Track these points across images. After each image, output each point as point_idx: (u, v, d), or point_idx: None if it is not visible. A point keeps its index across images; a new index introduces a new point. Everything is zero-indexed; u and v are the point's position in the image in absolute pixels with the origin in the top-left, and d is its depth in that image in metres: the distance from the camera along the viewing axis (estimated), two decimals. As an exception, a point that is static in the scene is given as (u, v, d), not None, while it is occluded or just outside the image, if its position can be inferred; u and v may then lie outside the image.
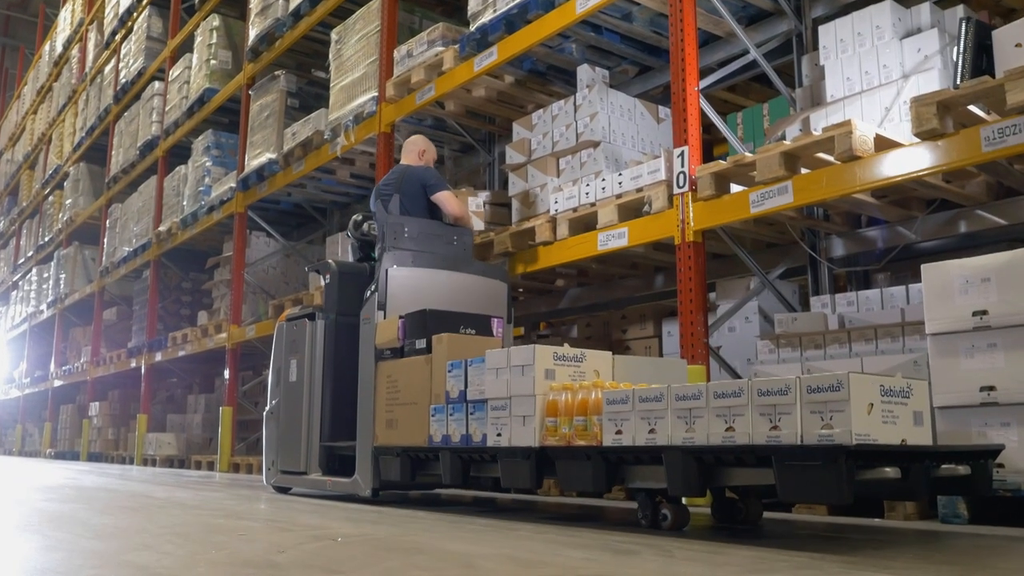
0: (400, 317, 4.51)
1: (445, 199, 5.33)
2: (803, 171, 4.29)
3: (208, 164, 10.72)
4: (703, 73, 5.39)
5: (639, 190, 4.96)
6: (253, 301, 10.10)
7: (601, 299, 6.94)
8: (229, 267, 10.25)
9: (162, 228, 11.69)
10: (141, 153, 12.97)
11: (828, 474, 2.50)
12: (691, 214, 4.58)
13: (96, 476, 8.15)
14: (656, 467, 3.08)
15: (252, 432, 10.42)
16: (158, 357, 11.78)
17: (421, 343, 4.34)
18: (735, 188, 4.63)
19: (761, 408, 2.72)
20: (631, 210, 5.02)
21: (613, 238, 5.03)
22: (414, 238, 5.07)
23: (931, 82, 4.34)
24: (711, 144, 7.39)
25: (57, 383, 16.44)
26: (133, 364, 12.56)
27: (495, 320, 4.54)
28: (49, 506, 4.36)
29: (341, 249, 8.57)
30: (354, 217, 5.63)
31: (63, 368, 16.10)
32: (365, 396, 4.68)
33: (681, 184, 4.66)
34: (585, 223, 5.33)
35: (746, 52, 5.37)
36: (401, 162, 5.71)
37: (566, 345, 3.72)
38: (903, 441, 2.65)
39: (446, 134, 8.13)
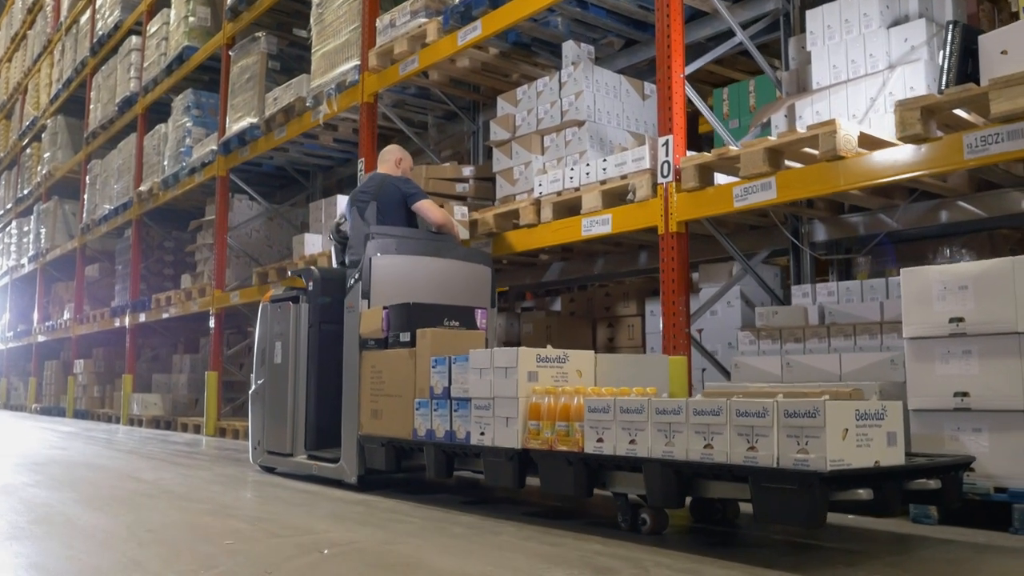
0: (384, 308, 4.53)
1: (427, 208, 5.26)
2: (788, 164, 4.29)
3: (189, 124, 10.58)
4: (689, 50, 5.35)
5: (623, 177, 4.95)
6: (237, 265, 10.07)
7: (585, 273, 6.97)
8: (212, 231, 10.18)
9: (143, 188, 11.57)
10: (120, 109, 12.77)
11: (802, 498, 2.56)
12: (674, 205, 4.59)
13: (83, 443, 8.21)
14: (636, 475, 3.14)
15: (238, 393, 10.48)
16: (142, 318, 11.76)
17: (405, 336, 4.36)
18: (719, 177, 4.63)
19: (739, 428, 2.77)
20: (615, 196, 5.01)
21: (597, 224, 5.03)
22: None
23: (917, 74, 4.32)
24: (696, 116, 7.36)
25: (41, 338, 16.41)
26: (117, 323, 12.54)
27: (479, 311, 4.56)
28: (37, 495, 4.39)
29: (325, 215, 8.52)
30: (336, 220, 5.64)
31: (46, 324, 16.06)
32: (350, 384, 4.71)
33: (665, 173, 4.65)
34: (569, 207, 5.32)
35: (733, 29, 5.31)
36: (378, 171, 5.58)
37: (549, 346, 3.76)
38: (876, 463, 2.69)
39: (429, 102, 8.04)
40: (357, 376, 4.66)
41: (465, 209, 6.50)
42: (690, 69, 4.87)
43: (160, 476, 5.34)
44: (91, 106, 14.22)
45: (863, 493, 2.65)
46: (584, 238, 5.14)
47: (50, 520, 3.64)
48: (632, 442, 3.11)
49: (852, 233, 5.09)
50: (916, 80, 4.33)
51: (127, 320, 12.15)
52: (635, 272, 6.55)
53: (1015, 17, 4.81)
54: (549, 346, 3.75)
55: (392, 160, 5.55)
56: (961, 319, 3.41)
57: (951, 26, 3.63)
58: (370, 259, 4.79)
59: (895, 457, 2.78)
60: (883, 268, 5.19)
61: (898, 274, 5.02)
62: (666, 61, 4.72)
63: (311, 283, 5.31)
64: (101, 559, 2.90)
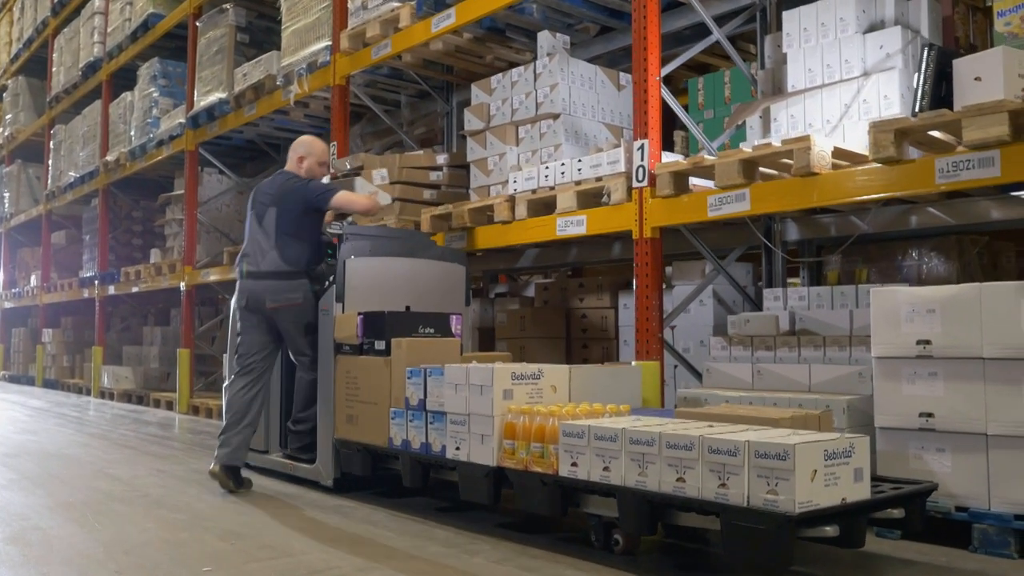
0: (359, 314, 4.52)
1: (346, 201, 4.85)
2: (763, 170, 4.31)
3: (155, 95, 10.37)
4: (665, 40, 5.31)
5: (598, 179, 4.94)
6: (207, 240, 9.96)
7: (559, 261, 6.98)
8: (181, 205, 10.05)
9: (109, 158, 11.36)
10: (84, 74, 12.48)
11: (771, 538, 2.63)
12: (649, 210, 4.60)
13: (55, 423, 8.16)
14: (610, 499, 3.20)
15: (211, 367, 10.45)
16: (111, 290, 11.63)
17: (380, 344, 4.37)
18: (695, 181, 4.64)
19: (711, 464, 2.82)
20: (590, 197, 5.01)
21: (572, 224, 5.03)
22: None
23: (891, 83, 4.33)
24: (674, 94, 7.33)
25: (8, 304, 16.19)
26: (86, 294, 12.40)
27: (454, 318, 4.57)
28: (12, 501, 4.38)
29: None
30: None
31: (12, 291, 15.83)
32: (325, 388, 4.72)
33: (640, 178, 4.65)
34: (544, 203, 5.31)
35: (709, 20, 5.27)
36: (284, 168, 5.08)
37: (523, 364, 3.79)
38: (843, 499, 2.76)
39: (402, 82, 7.93)
40: (332, 380, 4.66)
41: (442, 159, 6.48)
42: (666, 70, 4.85)
43: (135, 473, 5.34)
44: (53, 69, 13.87)
45: (830, 530, 2.72)
46: (559, 238, 5.15)
47: (26, 539, 3.64)
48: (606, 469, 3.16)
49: (824, 233, 5.14)
50: (890, 88, 4.34)
51: (96, 292, 12.01)
52: (608, 261, 6.57)
53: (988, 14, 4.84)
54: (524, 364, 3.78)
55: (294, 158, 5.00)
56: (928, 342, 3.48)
57: (926, 49, 3.64)
58: (344, 262, 4.75)
59: (861, 492, 2.85)
60: (853, 268, 5.26)
61: (868, 279, 5.11)
62: (642, 64, 4.69)
63: None
64: (79, 592, 2.92)
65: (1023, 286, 3.28)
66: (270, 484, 4.92)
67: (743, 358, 4.47)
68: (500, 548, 3.47)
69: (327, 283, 4.81)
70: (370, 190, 5.14)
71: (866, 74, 4.45)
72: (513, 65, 7.06)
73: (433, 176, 6.57)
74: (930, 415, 3.48)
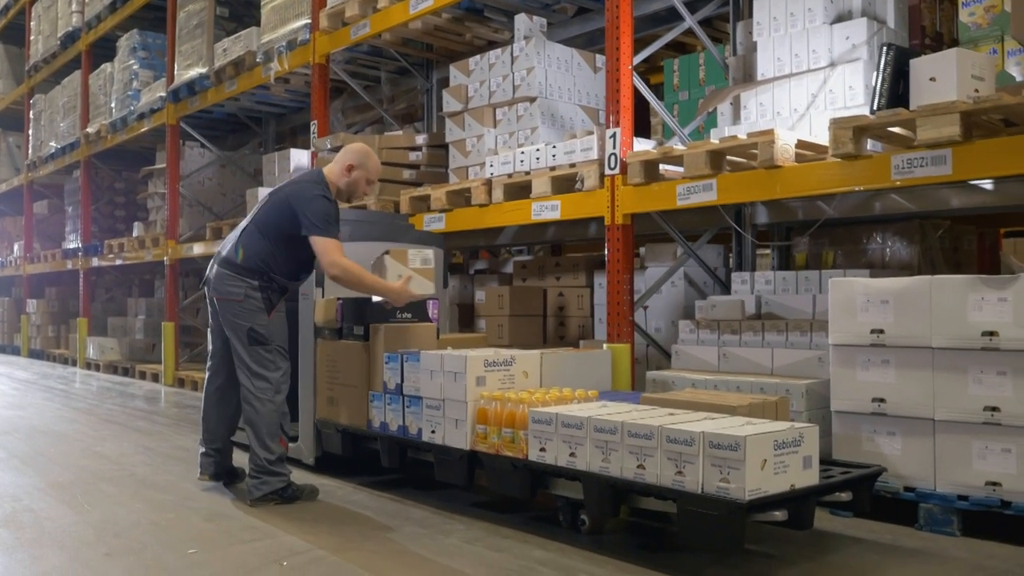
0: (338, 300, 4.64)
1: (341, 271, 4.04)
2: (731, 159, 4.44)
3: (136, 67, 10.34)
4: (639, 22, 5.40)
5: (572, 165, 5.06)
6: (190, 214, 10.01)
7: (538, 238, 7.10)
8: (163, 179, 10.08)
9: (90, 130, 11.35)
10: (63, 44, 12.40)
11: (723, 524, 2.81)
12: (620, 198, 4.72)
13: (42, 397, 8.28)
14: (576, 483, 3.37)
15: (196, 338, 10.55)
16: (95, 262, 11.68)
17: (359, 330, 4.49)
18: (666, 167, 4.76)
19: (669, 453, 2.98)
20: (564, 182, 5.13)
21: (547, 209, 5.16)
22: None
23: (856, 74, 4.45)
24: (650, 71, 7.43)
25: (-9, 274, 16.19)
26: (69, 266, 12.44)
27: (431, 303, 4.67)
28: (2, 481, 4.52)
29: (279, 168, 8.49)
30: None
31: (-4, 260, 15.83)
32: (306, 370, 4.83)
33: (612, 166, 4.77)
34: (520, 187, 5.43)
35: (681, 7, 5.35)
36: (325, 168, 4.32)
37: (496, 350, 3.93)
38: (792, 486, 2.93)
39: (382, 59, 7.97)
40: (313, 363, 4.79)
41: (422, 140, 6.44)
42: (639, 59, 4.94)
43: (122, 451, 5.48)
44: (32, 37, 13.76)
45: (779, 515, 2.91)
46: (534, 222, 5.27)
47: (18, 521, 3.78)
48: (572, 455, 3.33)
49: (792, 218, 5.28)
50: (855, 79, 4.46)
51: (79, 264, 12.05)
52: (585, 240, 6.70)
53: (954, 4, 4.95)
54: (497, 348, 3.93)
55: (344, 163, 4.23)
56: (882, 331, 3.65)
57: (885, 49, 3.75)
58: None
59: (810, 478, 3.03)
60: (821, 250, 5.41)
61: (834, 262, 5.27)
62: (615, 53, 4.79)
63: None
64: None
65: (970, 280, 3.44)
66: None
67: (710, 341, 4.63)
68: (473, 528, 3.65)
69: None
70: (400, 273, 4.42)
71: (832, 64, 4.57)
72: (492, 44, 7.14)
73: (413, 156, 6.66)
74: (882, 400, 3.66)
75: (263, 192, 8.22)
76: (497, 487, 3.69)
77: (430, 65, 7.97)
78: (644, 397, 3.75)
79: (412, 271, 4.11)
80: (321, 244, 4.01)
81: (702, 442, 2.89)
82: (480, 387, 3.80)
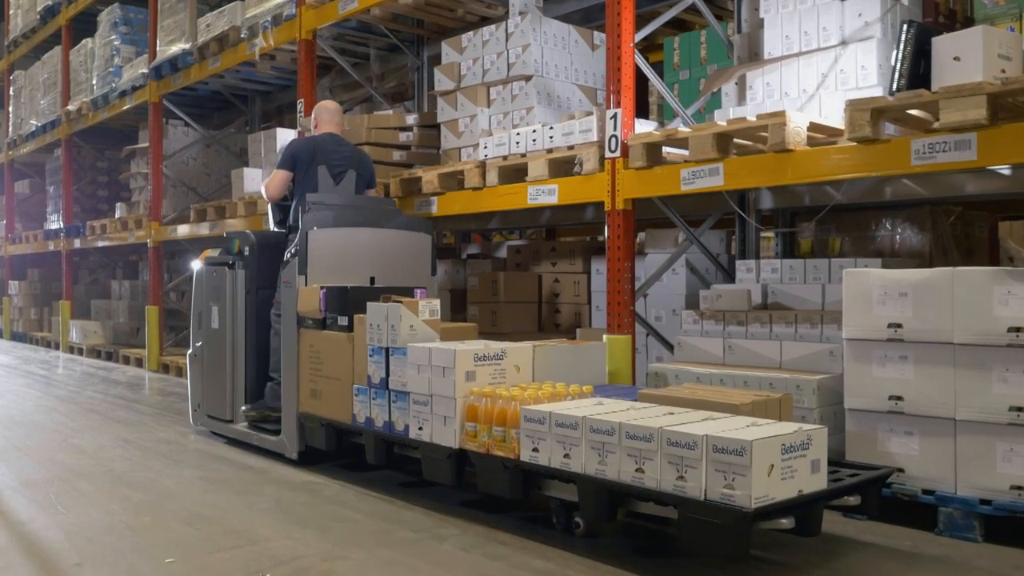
0: (321, 288, 4.45)
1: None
2: (738, 141, 4.23)
3: (117, 42, 10.03)
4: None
5: (571, 147, 4.83)
6: (174, 195, 9.73)
7: (532, 222, 6.89)
8: (146, 159, 9.79)
9: (71, 107, 11.03)
10: (42, 18, 12.05)
11: (728, 532, 2.63)
12: (621, 182, 4.51)
13: (22, 384, 8.05)
14: (571, 484, 3.19)
15: (181, 321, 10.31)
16: (77, 244, 11.41)
17: (343, 320, 4.32)
18: (668, 149, 4.55)
19: (669, 457, 2.80)
20: (562, 165, 4.91)
21: (543, 194, 4.94)
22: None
23: (869, 53, 4.23)
24: (649, 49, 7.18)
25: (-28, 255, 15.86)
26: (51, 247, 12.16)
27: (418, 291, 4.44)
28: (-28, 480, 4.32)
29: (265, 147, 8.22)
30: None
31: (-24, 241, 15.48)
32: (289, 361, 4.67)
33: (613, 148, 4.55)
34: (516, 170, 5.21)
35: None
36: (333, 131, 5.38)
37: (486, 344, 3.76)
38: (800, 491, 2.76)
39: (371, 35, 7.70)
40: (296, 353, 4.61)
41: (412, 120, 6.34)
42: (641, 34, 4.71)
43: (100, 443, 5.27)
44: (11, 11, 13.37)
45: (786, 522, 2.74)
46: (530, 206, 5.05)
47: (-16, 525, 3.58)
48: (567, 456, 3.15)
49: (798, 203, 5.07)
50: (868, 59, 4.24)
51: (62, 245, 11.77)
52: (581, 224, 6.49)
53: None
54: (487, 343, 3.74)
55: (339, 122, 5.47)
56: (900, 325, 3.46)
57: (905, 26, 3.53)
58: (306, 233, 4.65)
59: (818, 483, 2.85)
60: (827, 237, 5.22)
61: (841, 249, 5.08)
62: (615, 29, 4.55)
63: (247, 248, 5.17)
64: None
65: (996, 272, 3.25)
66: (235, 456, 4.87)
67: (714, 332, 4.44)
68: (468, 533, 3.45)
69: (288, 252, 4.76)
70: (412, 323, 4.20)
71: (844, 43, 4.34)
72: (484, 19, 6.88)
73: (403, 137, 6.42)
74: (899, 398, 3.47)
75: (249, 172, 7.98)
76: (487, 488, 3.51)
77: (421, 42, 7.71)
78: (642, 393, 3.57)
79: (423, 322, 4.02)
80: None
81: (705, 446, 2.71)
82: (470, 382, 3.60)
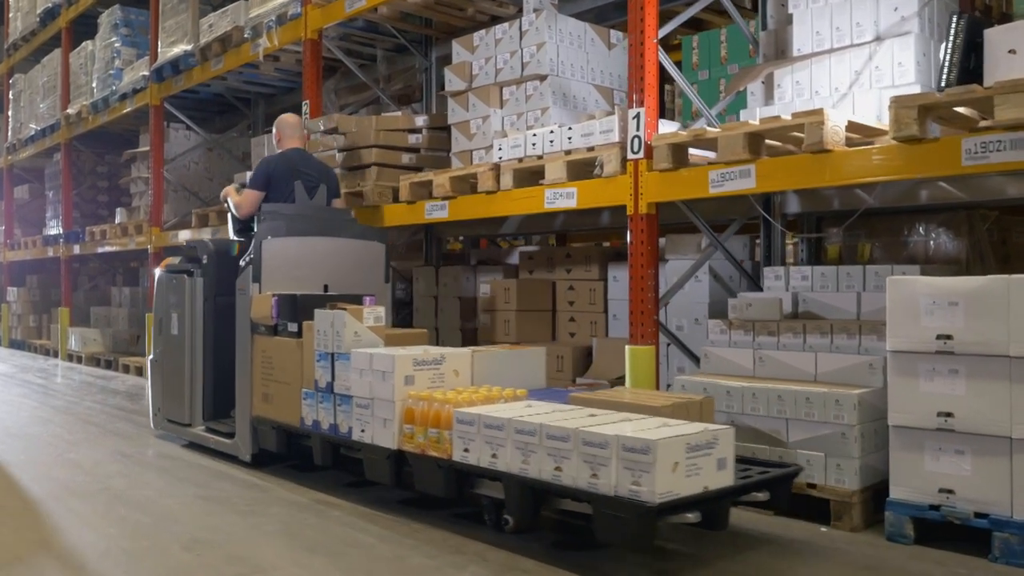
0: (273, 296, 4.55)
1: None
2: (769, 143, 4.01)
3: (117, 44, 9.84)
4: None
5: (590, 149, 4.62)
6: (175, 200, 9.53)
7: (545, 228, 6.68)
8: (147, 163, 9.59)
9: (71, 111, 10.84)
10: (42, 21, 11.87)
11: (634, 525, 2.80)
12: (645, 185, 4.29)
13: (19, 394, 7.83)
14: (499, 483, 3.31)
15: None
16: (76, 250, 11.20)
17: (293, 326, 4.45)
18: (692, 152, 4.34)
19: (585, 456, 2.95)
20: (581, 167, 4.70)
21: (561, 197, 4.72)
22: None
23: (906, 49, 4.03)
24: (666, 49, 6.96)
25: (-30, 261, 15.66)
26: (51, 253, 11.95)
27: (367, 299, 4.55)
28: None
29: (267, 152, 8.01)
30: (235, 184, 5.64)
31: (-25, 247, 15.28)
32: (242, 366, 4.78)
33: (636, 149, 4.34)
34: (532, 173, 5.00)
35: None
36: (297, 146, 5.56)
37: (426, 349, 3.98)
38: (705, 488, 2.92)
39: (378, 35, 7.50)
40: (249, 359, 4.71)
41: (422, 122, 6.20)
42: (664, 31, 4.50)
43: (97, 458, 5.05)
44: (11, 14, 13.20)
45: (691, 516, 2.88)
46: (548, 211, 4.84)
47: (-28, 550, 3.35)
48: (494, 456, 3.29)
49: (827, 207, 4.85)
50: (905, 55, 4.04)
51: (61, 251, 11.57)
52: (597, 229, 6.27)
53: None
54: (426, 348, 4.00)
55: (303, 136, 5.70)
56: (950, 336, 3.24)
57: (955, 17, 3.32)
58: (260, 242, 4.75)
59: (724, 479, 3.01)
60: (856, 243, 5.00)
61: (871, 255, 4.86)
62: (639, 24, 4.34)
63: (205, 256, 5.27)
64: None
65: (1056, 280, 3.03)
66: (239, 474, 4.65)
67: (744, 343, 4.21)
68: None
69: (244, 260, 4.91)
70: (356, 330, 4.37)
71: (879, 39, 4.14)
72: (495, 19, 6.68)
73: (412, 139, 6.21)
74: (949, 415, 3.25)
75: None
76: (424, 487, 3.64)
77: (429, 42, 7.49)
78: (572, 397, 3.72)
79: (367, 329, 4.17)
80: None
81: (615, 445, 2.87)
82: (408, 386, 3.76)
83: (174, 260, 5.64)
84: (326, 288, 4.89)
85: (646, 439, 2.78)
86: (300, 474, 4.50)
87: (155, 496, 4.17)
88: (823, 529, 3.54)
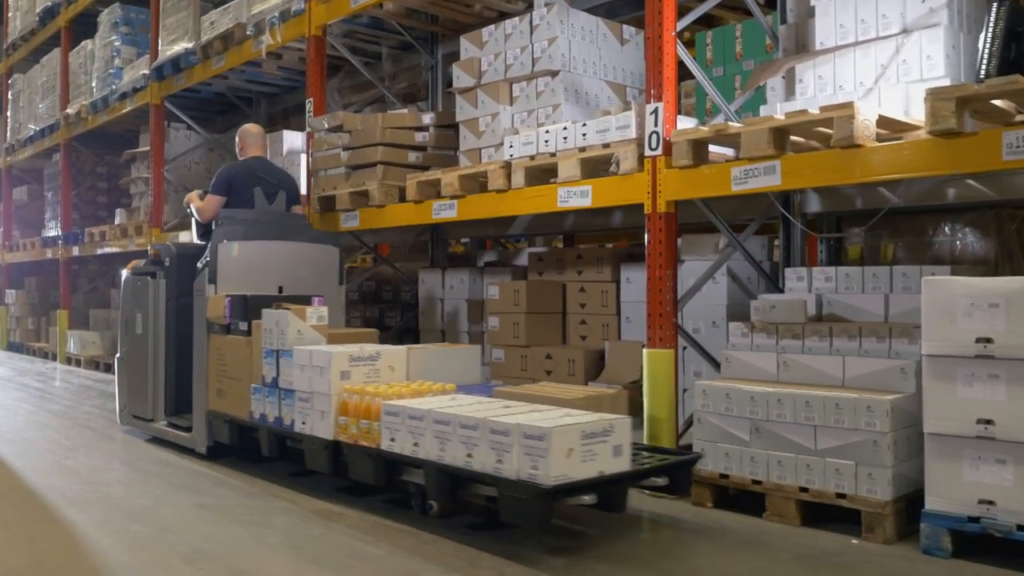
0: (227, 296, 4.73)
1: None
2: (793, 139, 3.86)
3: (117, 43, 9.69)
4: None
5: (606, 145, 4.46)
6: (175, 200, 9.36)
7: (554, 228, 6.53)
8: (147, 163, 9.44)
9: (70, 111, 10.69)
10: (41, 20, 11.72)
11: (532, 507, 3.03)
12: (663, 182, 4.14)
13: (16, 398, 7.68)
14: (420, 470, 3.52)
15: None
16: (75, 251, 11.05)
17: (244, 325, 4.64)
18: (712, 149, 4.18)
19: (492, 443, 3.19)
20: (596, 165, 4.55)
21: (575, 196, 4.57)
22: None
23: (935, 41, 3.87)
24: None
25: (-32, 263, 15.50)
26: (49, 255, 11.80)
27: (315, 299, 4.69)
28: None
29: (270, 152, 7.85)
30: (199, 191, 5.80)
31: (-27, 248, 15.13)
32: (199, 363, 4.99)
33: (654, 146, 4.18)
34: (544, 171, 4.84)
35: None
36: (259, 155, 5.81)
37: (362, 346, 4.20)
38: (601, 473, 3.17)
39: (383, 32, 7.35)
40: (205, 356, 4.91)
41: (428, 119, 6.09)
42: (681, 25, 4.36)
43: (95, 465, 4.90)
44: (10, 14, 13.06)
45: (588, 499, 3.13)
46: (561, 209, 4.69)
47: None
48: (416, 444, 3.53)
49: (849, 206, 4.70)
50: (934, 48, 3.88)
51: (60, 253, 11.41)
52: (609, 230, 6.12)
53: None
54: (363, 345, 4.23)
55: (265, 144, 5.93)
56: (990, 340, 3.08)
57: (996, 4, 3.17)
58: (216, 246, 4.93)
59: (620, 465, 3.25)
60: (878, 243, 4.85)
61: (894, 256, 4.70)
62: (656, 17, 4.19)
63: (168, 259, 5.46)
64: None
65: (1105, 280, 2.88)
66: (240, 482, 4.49)
67: (767, 347, 4.06)
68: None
69: (201, 262, 5.06)
70: (299, 328, 4.57)
71: (906, 31, 3.98)
72: (503, 15, 6.53)
73: (418, 137, 6.06)
74: (989, 422, 3.09)
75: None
76: (356, 475, 3.85)
77: (435, 39, 7.36)
78: (496, 391, 4.03)
79: (310, 327, 4.38)
80: None
81: (517, 433, 3.10)
82: (344, 380, 3.96)
83: (140, 263, 5.80)
84: (281, 290, 5.09)
85: (542, 427, 3.03)
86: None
87: (155, 504, 4.02)
88: (854, 541, 3.38)
